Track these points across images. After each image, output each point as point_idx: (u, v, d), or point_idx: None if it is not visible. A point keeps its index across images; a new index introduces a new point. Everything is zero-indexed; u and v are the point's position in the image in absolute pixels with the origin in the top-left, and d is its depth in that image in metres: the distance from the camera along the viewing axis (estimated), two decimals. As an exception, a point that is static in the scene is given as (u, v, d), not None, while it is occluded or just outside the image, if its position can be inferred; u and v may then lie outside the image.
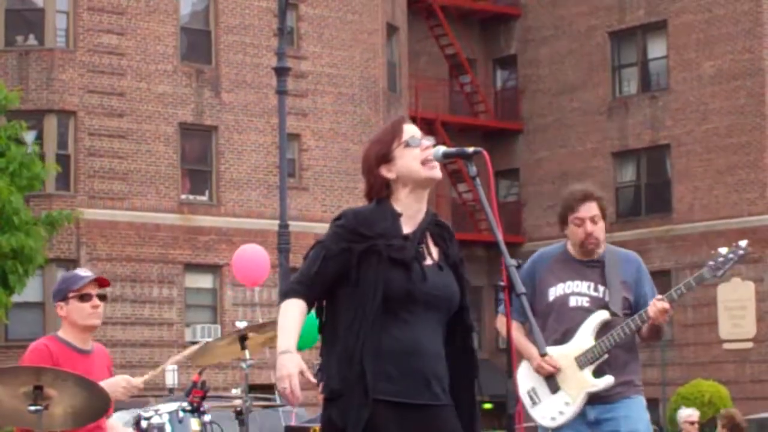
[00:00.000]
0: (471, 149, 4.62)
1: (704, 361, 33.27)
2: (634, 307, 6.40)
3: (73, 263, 28.06)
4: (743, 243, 6.46)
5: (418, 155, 4.58)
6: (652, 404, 33.37)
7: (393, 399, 4.40)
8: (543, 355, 4.55)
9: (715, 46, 34.29)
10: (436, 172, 4.61)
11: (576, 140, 36.97)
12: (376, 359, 4.41)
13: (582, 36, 37.06)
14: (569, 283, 6.37)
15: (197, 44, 30.84)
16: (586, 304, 6.36)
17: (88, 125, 28.93)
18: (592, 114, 36.69)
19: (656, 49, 36.09)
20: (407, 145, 4.60)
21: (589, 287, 6.38)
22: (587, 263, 6.42)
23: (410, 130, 4.65)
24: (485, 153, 4.60)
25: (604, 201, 6.45)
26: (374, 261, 4.44)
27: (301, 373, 4.32)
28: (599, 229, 6.36)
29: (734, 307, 32.97)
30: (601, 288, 6.38)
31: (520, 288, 4.46)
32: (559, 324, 6.30)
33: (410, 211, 4.58)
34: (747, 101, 33.71)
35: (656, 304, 6.23)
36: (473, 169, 4.65)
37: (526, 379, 6.44)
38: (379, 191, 4.59)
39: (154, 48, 29.83)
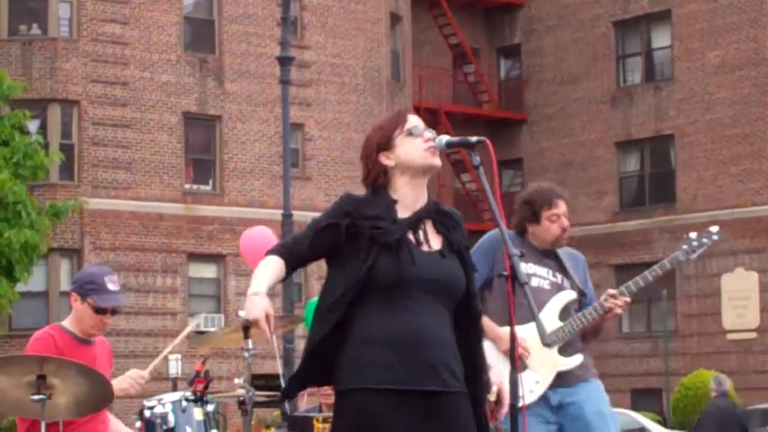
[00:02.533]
0: (474, 139, 4.60)
1: (708, 351, 33.27)
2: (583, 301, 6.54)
3: (77, 253, 28.11)
4: (714, 229, 6.59)
5: (420, 145, 4.57)
6: (656, 395, 33.43)
7: (395, 387, 4.39)
8: (546, 344, 4.53)
9: (719, 36, 34.23)
10: (437, 160, 4.59)
11: (580, 130, 36.94)
12: (374, 347, 4.40)
13: (586, 25, 37.01)
14: (531, 265, 6.43)
15: (201, 34, 30.82)
16: (548, 287, 6.45)
17: (91, 114, 28.93)
18: (595, 104, 36.65)
19: (660, 38, 36.04)
20: (410, 133, 4.59)
21: (547, 272, 6.48)
22: (543, 252, 6.52)
23: (413, 120, 4.65)
24: (488, 142, 4.58)
25: None
26: (361, 243, 4.45)
27: (267, 318, 4.40)
28: (568, 225, 6.53)
29: (738, 297, 32.98)
30: (558, 275, 6.49)
31: (524, 278, 4.45)
32: (519, 302, 6.29)
33: (407, 200, 4.57)
34: (751, 91, 33.66)
35: (618, 297, 6.36)
36: (476, 159, 4.63)
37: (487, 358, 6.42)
38: (376, 178, 4.59)
39: (157, 37, 29.82)
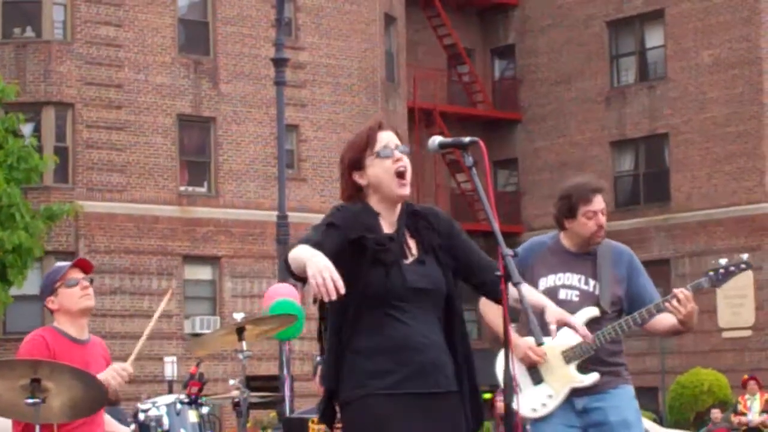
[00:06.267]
0: (467, 139, 4.60)
1: (703, 349, 33.30)
2: (627, 301, 6.37)
3: (72, 256, 28.03)
4: (744, 256, 6.43)
5: (389, 167, 4.58)
6: (652, 393, 33.43)
7: (394, 391, 4.46)
8: (539, 344, 4.52)
9: (712, 35, 34.27)
10: (405, 190, 4.60)
11: (574, 129, 36.97)
12: (368, 358, 4.47)
13: (580, 25, 37.04)
14: (560, 275, 6.33)
15: (195, 35, 30.81)
16: (576, 298, 6.31)
17: (86, 117, 28.91)
18: (590, 103, 36.68)
19: (654, 38, 36.07)
20: (378, 155, 4.60)
21: (579, 280, 6.34)
22: (579, 255, 6.38)
23: (384, 139, 4.64)
24: (481, 143, 4.59)
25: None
26: (359, 258, 4.49)
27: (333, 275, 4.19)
28: (605, 221, 6.36)
29: (733, 295, 32.99)
30: (591, 281, 6.34)
31: (517, 277, 4.46)
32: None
33: (385, 214, 4.63)
34: (745, 90, 33.70)
35: (682, 292, 6.18)
36: (470, 159, 4.64)
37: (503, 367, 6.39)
38: (352, 195, 4.64)
39: (151, 39, 29.80)
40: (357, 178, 4.63)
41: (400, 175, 4.58)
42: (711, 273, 6.38)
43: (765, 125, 33.55)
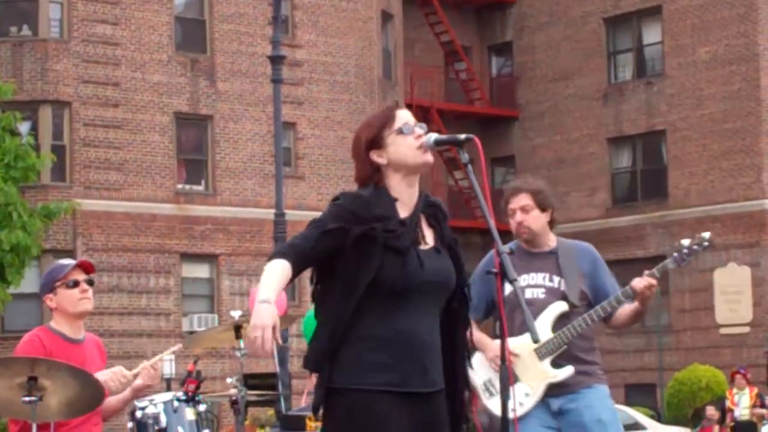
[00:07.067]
0: (463, 136, 4.59)
1: (701, 346, 33.32)
2: (592, 298, 6.42)
3: (70, 254, 28.03)
4: (706, 235, 6.52)
5: (412, 143, 4.54)
6: (650, 389, 33.47)
7: (395, 389, 4.43)
8: (536, 341, 4.53)
9: (709, 32, 34.28)
10: (429, 157, 4.57)
11: (572, 126, 36.97)
12: (371, 349, 4.42)
13: (577, 22, 37.04)
14: (524, 276, 6.36)
15: (192, 33, 30.80)
16: (542, 295, 6.37)
17: (83, 115, 28.90)
18: (587, 100, 36.68)
19: (651, 34, 36.08)
20: (400, 132, 4.56)
21: (544, 278, 6.41)
22: (540, 254, 6.45)
23: (403, 117, 4.60)
24: (477, 140, 4.58)
25: (542, 195, 6.47)
26: (370, 247, 4.42)
27: (274, 328, 4.25)
28: (531, 218, 6.40)
29: (731, 292, 33.02)
30: (556, 278, 6.40)
31: (513, 274, 4.45)
32: (515, 316, 6.25)
33: (404, 197, 4.55)
34: (742, 86, 33.71)
35: (644, 279, 6.25)
36: (465, 156, 4.63)
37: (480, 370, 6.41)
38: (370, 176, 4.56)
39: (148, 37, 29.79)
40: (375, 157, 4.55)
41: (422, 148, 4.56)
42: (675, 254, 6.44)
43: (762, 121, 33.58)
